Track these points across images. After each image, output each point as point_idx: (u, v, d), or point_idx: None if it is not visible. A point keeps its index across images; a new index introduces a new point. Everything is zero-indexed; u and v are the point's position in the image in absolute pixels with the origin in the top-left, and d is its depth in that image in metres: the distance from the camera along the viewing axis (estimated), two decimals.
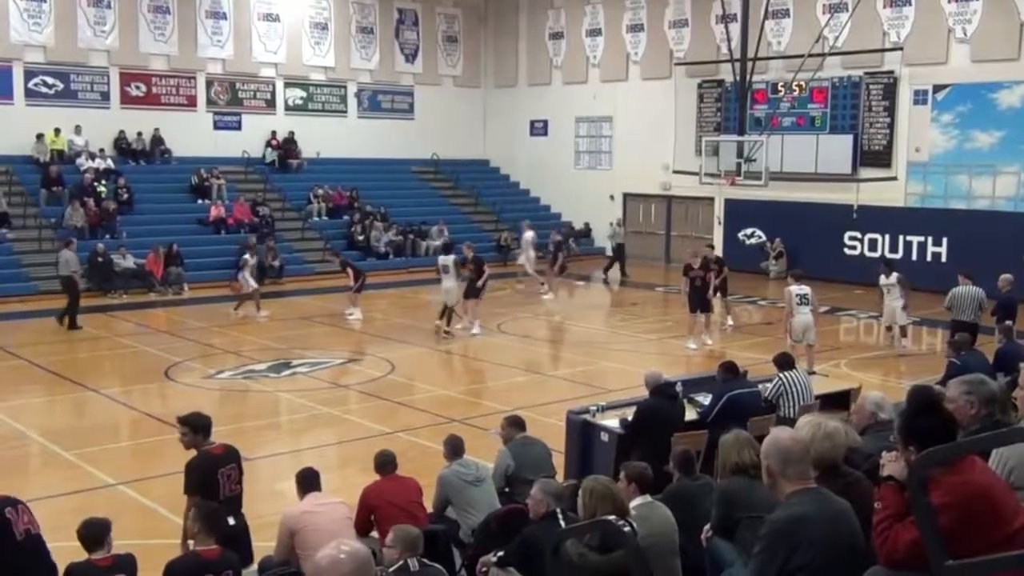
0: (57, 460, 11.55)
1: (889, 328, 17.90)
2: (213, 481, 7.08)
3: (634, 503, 6.15)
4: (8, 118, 26.26)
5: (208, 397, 14.94)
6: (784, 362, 10.56)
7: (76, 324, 19.38)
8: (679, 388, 9.96)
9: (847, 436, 5.39)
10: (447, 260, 19.36)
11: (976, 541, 3.72)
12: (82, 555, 6.00)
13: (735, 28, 26.60)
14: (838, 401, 11.18)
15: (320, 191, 29.91)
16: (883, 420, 6.66)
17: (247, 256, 21.91)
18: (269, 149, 30.66)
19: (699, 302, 17.99)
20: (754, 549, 4.28)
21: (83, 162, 26.98)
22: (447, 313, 19.04)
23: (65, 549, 6.29)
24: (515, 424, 8.77)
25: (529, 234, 25.98)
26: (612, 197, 32.24)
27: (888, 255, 25.18)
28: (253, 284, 21.37)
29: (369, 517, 7.39)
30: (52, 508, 9.83)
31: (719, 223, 29.38)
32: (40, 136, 26.78)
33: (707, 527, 6.09)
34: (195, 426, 7.47)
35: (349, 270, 21.31)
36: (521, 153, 35.02)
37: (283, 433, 13.37)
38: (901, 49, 24.83)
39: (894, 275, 17.48)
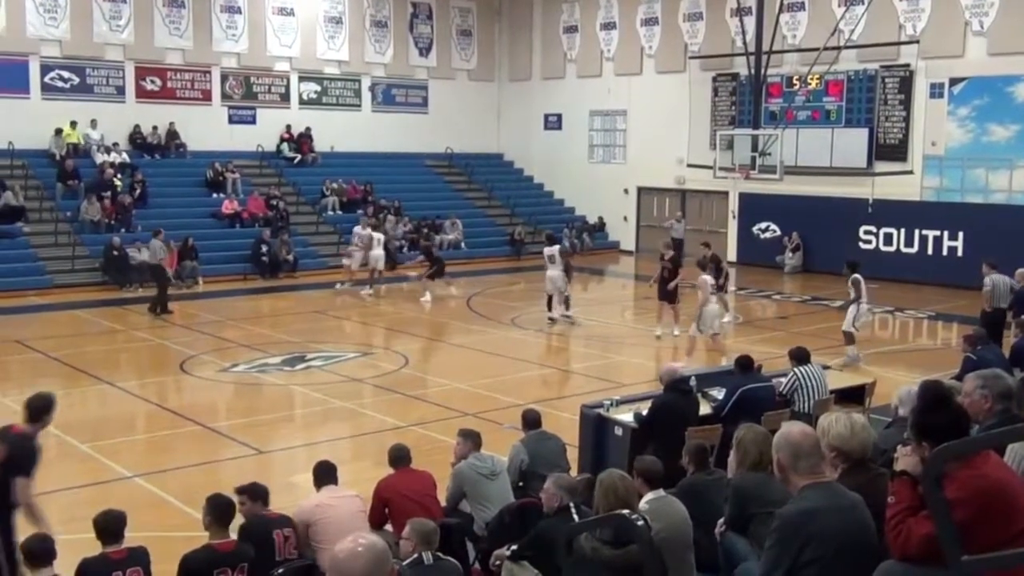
0: (73, 452, 11.60)
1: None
2: (269, 541, 6.58)
3: (648, 497, 6.15)
4: (25, 112, 26.36)
5: (223, 391, 15.02)
6: (800, 356, 10.53)
7: (168, 309, 20.36)
8: (693, 382, 9.95)
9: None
10: (552, 250, 19.87)
11: (991, 536, 3.70)
12: (96, 547, 6.04)
13: (750, 21, 26.55)
14: (853, 396, 11.17)
15: (334, 185, 29.95)
16: (902, 417, 6.63)
17: (356, 228, 23.96)
18: (285, 144, 30.73)
19: (663, 292, 18.31)
20: (765, 543, 4.27)
21: (99, 156, 27.09)
22: (555, 300, 19.63)
23: (80, 541, 6.33)
24: (527, 419, 8.77)
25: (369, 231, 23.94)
26: (626, 191, 32.21)
27: (904, 249, 25.17)
28: (354, 263, 23.18)
29: (383, 510, 7.42)
30: (68, 500, 9.91)
31: (733, 217, 29.31)
32: (59, 131, 26.89)
33: (721, 522, 6.09)
34: (253, 494, 6.94)
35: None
36: (535, 147, 34.99)
37: (297, 426, 13.41)
38: (917, 42, 24.69)
39: (853, 276, 16.11)
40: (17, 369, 16.20)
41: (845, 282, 16.52)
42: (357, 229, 24.53)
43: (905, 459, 4.10)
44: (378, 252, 23.44)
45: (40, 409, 7.11)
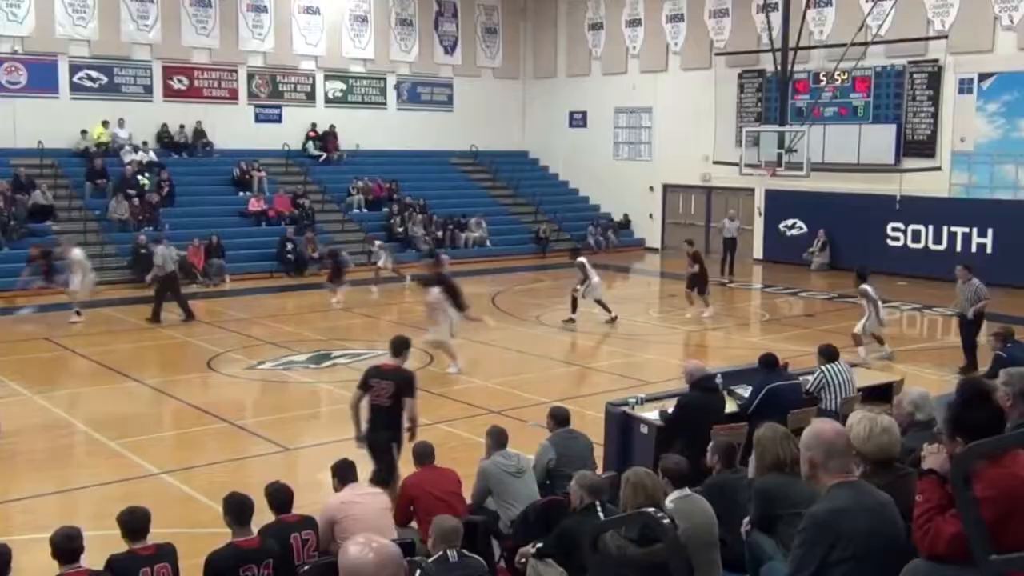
0: (102, 449, 11.70)
1: (878, 338, 16.19)
2: (285, 546, 6.49)
3: (673, 496, 6.13)
4: (54, 111, 26.62)
5: (249, 388, 15.09)
6: (828, 354, 10.46)
7: (192, 314, 19.73)
8: (719, 380, 9.90)
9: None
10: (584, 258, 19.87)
11: (1019, 534, 3.67)
12: (124, 544, 6.08)
13: (776, 17, 26.40)
14: (881, 394, 11.08)
15: (360, 183, 30.03)
16: (920, 421, 6.51)
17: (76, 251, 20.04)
18: (310, 142, 30.88)
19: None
20: (793, 542, 4.25)
21: (127, 155, 27.30)
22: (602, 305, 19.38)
23: (110, 537, 6.37)
24: (556, 417, 8.76)
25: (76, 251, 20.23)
26: (651, 188, 32.13)
27: (932, 246, 24.96)
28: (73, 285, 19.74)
29: (409, 508, 7.44)
30: (97, 496, 10.00)
31: (760, 214, 29.17)
32: (84, 133, 27.13)
33: (746, 520, 6.05)
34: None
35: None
36: (560, 144, 34.96)
37: (323, 424, 13.43)
38: (946, 37, 24.45)
39: (861, 287, 16.02)
40: (45, 366, 16.32)
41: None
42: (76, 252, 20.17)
43: (932, 458, 4.07)
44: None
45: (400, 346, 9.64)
